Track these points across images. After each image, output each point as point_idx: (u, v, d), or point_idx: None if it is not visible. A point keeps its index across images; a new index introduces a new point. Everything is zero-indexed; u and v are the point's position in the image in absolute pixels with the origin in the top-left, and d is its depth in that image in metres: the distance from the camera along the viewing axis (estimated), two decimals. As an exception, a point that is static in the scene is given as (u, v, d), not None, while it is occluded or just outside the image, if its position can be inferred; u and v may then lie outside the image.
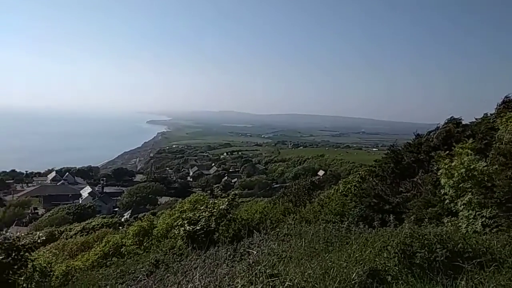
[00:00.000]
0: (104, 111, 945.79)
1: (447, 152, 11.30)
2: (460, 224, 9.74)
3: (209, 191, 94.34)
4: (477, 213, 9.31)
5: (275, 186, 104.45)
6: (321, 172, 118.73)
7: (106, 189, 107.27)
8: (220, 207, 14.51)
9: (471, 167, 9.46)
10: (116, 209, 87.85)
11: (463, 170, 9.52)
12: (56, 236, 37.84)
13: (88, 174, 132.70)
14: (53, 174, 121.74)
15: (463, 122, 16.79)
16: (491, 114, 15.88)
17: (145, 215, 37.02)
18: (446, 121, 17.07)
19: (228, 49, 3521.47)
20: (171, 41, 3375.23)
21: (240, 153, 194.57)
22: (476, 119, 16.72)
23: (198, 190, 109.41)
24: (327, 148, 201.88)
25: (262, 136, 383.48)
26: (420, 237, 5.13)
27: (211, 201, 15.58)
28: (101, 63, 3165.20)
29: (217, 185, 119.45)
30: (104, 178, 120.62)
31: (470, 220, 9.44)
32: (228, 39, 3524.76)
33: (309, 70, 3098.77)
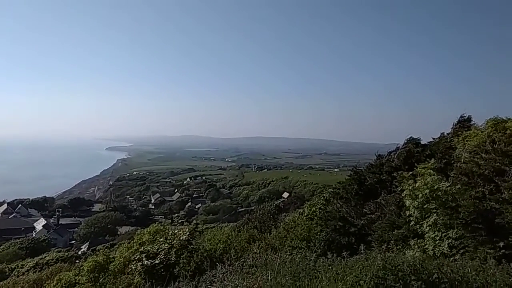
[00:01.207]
0: (62, 138, 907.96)
1: (410, 172, 11.28)
2: (427, 246, 9.58)
3: (169, 220, 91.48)
4: (443, 234, 9.20)
5: (240, 210, 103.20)
6: (285, 194, 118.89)
7: (62, 221, 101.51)
8: (181, 238, 13.70)
9: (435, 187, 9.40)
10: (73, 241, 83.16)
11: (427, 190, 9.43)
12: (7, 273, 34.96)
13: (42, 205, 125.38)
14: (5, 206, 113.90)
15: (422, 142, 17.13)
16: (448, 133, 16.30)
17: (104, 246, 35.14)
18: (406, 141, 17.35)
19: (189, 73, 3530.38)
20: (131, 64, 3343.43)
21: (204, 177, 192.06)
22: (433, 138, 17.12)
23: (161, 217, 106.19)
24: (291, 170, 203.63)
25: (226, 159, 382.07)
26: (393, 268, 4.77)
27: (171, 232, 14.71)
28: (60, 89, 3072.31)
29: (180, 211, 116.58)
30: (60, 209, 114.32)
31: (437, 242, 9.30)
32: (190, 62, 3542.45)
33: (266, 94, 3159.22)
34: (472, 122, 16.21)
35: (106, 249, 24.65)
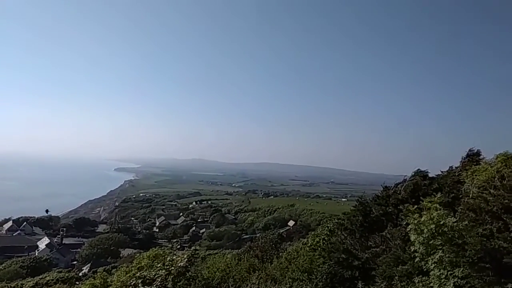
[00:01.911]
0: (74, 157, 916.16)
1: (416, 206, 10.97)
2: (432, 284, 9.17)
3: (170, 245, 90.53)
4: (449, 272, 8.80)
5: (244, 237, 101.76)
6: (291, 223, 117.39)
7: (66, 241, 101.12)
8: (179, 264, 13.39)
9: (441, 222, 9.08)
10: (75, 262, 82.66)
11: (433, 226, 9.11)
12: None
13: (47, 224, 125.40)
14: (10, 223, 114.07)
15: (430, 175, 16.82)
16: (456, 167, 15.98)
17: (105, 268, 34.66)
18: (413, 173, 17.06)
19: (200, 96, 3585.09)
20: (142, 89, 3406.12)
21: (209, 202, 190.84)
22: (442, 171, 16.80)
23: (164, 241, 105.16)
24: (297, 198, 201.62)
25: (233, 185, 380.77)
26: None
27: (168, 258, 14.39)
28: (73, 108, 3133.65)
29: (184, 235, 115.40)
30: (64, 229, 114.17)
31: (442, 280, 8.90)
32: (201, 85, 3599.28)
33: (275, 120, 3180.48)
34: (481, 157, 15.92)
35: (105, 272, 24.24)
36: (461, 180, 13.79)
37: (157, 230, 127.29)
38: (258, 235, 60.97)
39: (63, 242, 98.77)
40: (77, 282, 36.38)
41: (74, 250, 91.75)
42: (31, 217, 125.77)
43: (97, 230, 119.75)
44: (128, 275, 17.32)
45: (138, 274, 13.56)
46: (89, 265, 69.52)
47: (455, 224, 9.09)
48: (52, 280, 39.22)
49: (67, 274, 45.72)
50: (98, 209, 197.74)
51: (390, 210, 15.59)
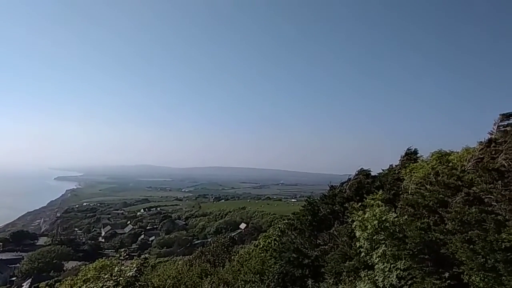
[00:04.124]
0: (8, 167, 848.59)
1: (360, 203, 11.46)
2: (377, 277, 9.63)
3: (118, 255, 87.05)
4: (392, 265, 9.30)
5: (196, 242, 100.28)
6: (243, 225, 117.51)
7: (2, 256, 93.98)
8: (128, 274, 12.90)
9: (383, 218, 9.57)
10: (14, 278, 77.39)
11: (376, 221, 9.58)
12: None
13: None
14: None
15: (372, 173, 17.63)
16: (396, 165, 16.92)
17: (47, 283, 32.55)
18: (357, 172, 17.80)
19: (143, 102, 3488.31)
20: (86, 89, 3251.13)
21: (158, 208, 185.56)
22: (383, 170, 17.70)
23: (111, 251, 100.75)
24: (248, 200, 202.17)
25: (183, 190, 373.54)
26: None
27: (116, 268, 13.83)
28: (8, 112, 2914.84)
29: (132, 244, 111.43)
30: (1, 243, 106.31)
31: (386, 273, 9.38)
32: (142, 92, 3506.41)
33: (226, 124, 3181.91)
34: (418, 155, 16.97)
35: (47, 287, 22.81)
36: (401, 178, 14.65)
37: (103, 240, 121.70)
38: (209, 239, 60.51)
39: (0, 257, 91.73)
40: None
41: (13, 265, 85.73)
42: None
43: (37, 243, 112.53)
44: (73, 288, 16.42)
45: (84, 287, 12.89)
46: (30, 280, 65.58)
47: (396, 219, 9.63)
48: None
49: (4, 292, 42.49)
50: (38, 221, 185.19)
51: (336, 208, 16.15)
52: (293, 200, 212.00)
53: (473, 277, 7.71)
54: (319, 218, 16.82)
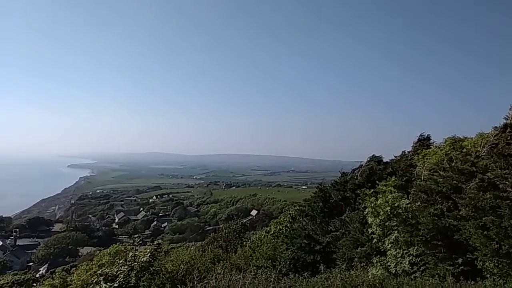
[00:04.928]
0: (24, 155, 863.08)
1: (372, 190, 11.42)
2: (389, 263, 9.64)
3: (131, 241, 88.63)
4: (404, 251, 9.29)
5: (207, 228, 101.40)
6: (254, 212, 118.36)
7: (20, 242, 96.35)
8: (142, 259, 13.11)
9: (396, 204, 9.53)
10: (31, 263, 79.17)
11: (388, 208, 9.55)
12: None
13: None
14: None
15: (384, 160, 17.52)
16: (408, 152, 16.78)
17: (63, 268, 33.42)
18: (369, 159, 17.71)
19: (156, 89, 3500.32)
20: (95, 80, 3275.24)
21: (170, 195, 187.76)
22: (395, 156, 17.58)
23: (125, 237, 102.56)
24: (259, 187, 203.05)
25: (194, 177, 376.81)
26: (353, 289, 4.68)
27: (131, 253, 14.07)
28: (19, 102, 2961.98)
29: (145, 230, 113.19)
30: (17, 230, 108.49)
31: (398, 259, 9.38)
32: (152, 79, 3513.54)
33: (238, 111, 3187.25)
34: (431, 141, 16.80)
35: (64, 272, 23.35)
36: (413, 164, 14.54)
37: (116, 227, 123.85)
38: (221, 226, 61.07)
39: (17, 243, 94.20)
40: (34, 284, 34.82)
41: (29, 251, 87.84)
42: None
43: (53, 230, 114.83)
44: (88, 273, 16.78)
45: (99, 272, 13.17)
46: (46, 265, 67.05)
47: (408, 205, 9.58)
48: (7, 283, 37.19)
49: (23, 276, 43.51)
50: (53, 207, 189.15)
51: (348, 195, 16.13)
52: (304, 187, 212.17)
53: (487, 263, 7.67)
54: (331, 204, 16.84)
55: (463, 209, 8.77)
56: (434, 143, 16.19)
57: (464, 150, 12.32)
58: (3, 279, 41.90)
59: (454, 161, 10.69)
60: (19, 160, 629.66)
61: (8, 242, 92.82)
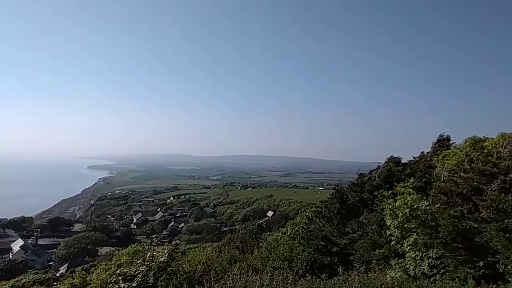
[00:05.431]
0: (42, 156, 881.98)
1: (390, 191, 11.30)
2: (407, 266, 9.51)
3: (149, 241, 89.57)
4: (424, 254, 9.16)
5: (224, 229, 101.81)
6: (270, 213, 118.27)
7: (41, 241, 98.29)
8: (160, 259, 13.30)
9: (415, 206, 9.41)
10: (51, 263, 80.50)
11: (407, 210, 9.43)
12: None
13: (21, 225, 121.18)
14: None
15: (402, 161, 17.30)
16: (427, 153, 16.53)
17: (83, 267, 34.05)
18: (387, 160, 17.52)
19: (172, 91, 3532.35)
20: (111, 82, 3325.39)
21: (187, 196, 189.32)
22: (414, 157, 17.33)
23: (143, 237, 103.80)
24: (275, 189, 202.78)
25: (210, 178, 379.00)
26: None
27: (149, 254, 14.28)
28: (37, 104, 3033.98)
29: (163, 231, 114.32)
30: (39, 230, 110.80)
31: (417, 262, 9.25)
32: (168, 81, 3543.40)
33: (252, 112, 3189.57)
34: (451, 142, 16.50)
35: (84, 271, 23.81)
36: (432, 165, 14.31)
37: (135, 227, 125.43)
38: (237, 227, 61.16)
39: (38, 243, 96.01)
40: (54, 283, 35.39)
41: (50, 250, 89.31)
42: (2, 219, 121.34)
43: (72, 230, 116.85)
44: (107, 272, 17.07)
45: (118, 271, 13.41)
46: (66, 265, 67.96)
47: (428, 207, 9.44)
48: (29, 282, 38.14)
49: (44, 275, 44.50)
50: (73, 208, 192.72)
51: (365, 196, 15.98)
52: (320, 188, 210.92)
53: (509, 266, 7.51)
54: (348, 206, 16.72)
55: (484, 211, 8.61)
56: (454, 144, 15.90)
57: (485, 150, 12.07)
58: (25, 277, 42.93)
59: (475, 162, 10.50)
60: (39, 162, 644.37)
61: (29, 241, 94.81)
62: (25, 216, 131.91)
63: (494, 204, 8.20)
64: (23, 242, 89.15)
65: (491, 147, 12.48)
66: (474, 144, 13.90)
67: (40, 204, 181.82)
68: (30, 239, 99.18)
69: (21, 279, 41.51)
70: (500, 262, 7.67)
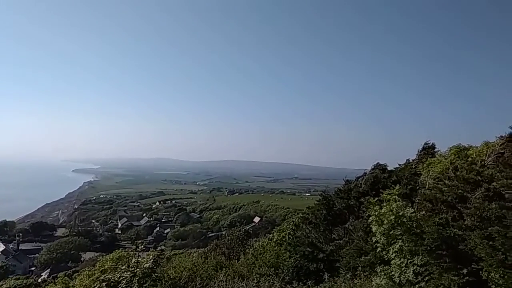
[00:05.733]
0: (27, 159, 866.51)
1: (376, 198, 11.37)
2: (393, 273, 9.53)
3: (134, 247, 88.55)
4: (409, 261, 9.19)
5: (210, 235, 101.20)
6: (257, 219, 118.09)
7: (22, 246, 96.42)
8: (144, 266, 13.07)
9: (400, 213, 9.45)
10: (33, 268, 79.19)
11: (393, 217, 9.47)
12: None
13: (2, 229, 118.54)
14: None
15: (388, 168, 17.46)
16: (413, 160, 16.73)
17: (65, 273, 33.42)
18: (373, 166, 17.66)
19: (162, 94, 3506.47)
20: (101, 85, 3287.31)
21: (173, 201, 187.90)
22: (399, 164, 17.52)
23: (127, 243, 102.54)
24: (262, 194, 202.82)
25: (197, 183, 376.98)
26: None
27: (133, 259, 14.04)
28: (24, 105, 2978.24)
29: (148, 236, 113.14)
30: (20, 234, 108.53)
31: (402, 269, 9.27)
32: (162, 82, 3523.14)
33: (239, 119, 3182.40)
34: (436, 149, 16.74)
35: (66, 277, 23.32)
36: (418, 172, 14.48)
37: (119, 232, 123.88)
38: (224, 232, 60.91)
39: (20, 248, 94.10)
40: (35, 289, 34.68)
41: (32, 255, 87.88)
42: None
43: (55, 234, 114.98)
44: (91, 278, 16.72)
45: (102, 277, 13.14)
46: (48, 270, 67.04)
47: (413, 214, 9.50)
48: (10, 287, 37.27)
49: (25, 281, 43.49)
50: (56, 212, 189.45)
51: (352, 203, 16.07)
52: (307, 194, 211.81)
53: (492, 274, 7.58)
54: (334, 212, 16.79)
55: (468, 219, 8.70)
56: (439, 152, 16.14)
57: (469, 159, 12.27)
58: (5, 283, 41.90)
59: (459, 170, 10.64)
60: (24, 164, 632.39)
61: (11, 246, 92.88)
62: (7, 220, 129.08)
63: (478, 212, 8.30)
64: (4, 247, 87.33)
65: (475, 156, 12.69)
66: (459, 152, 14.11)
67: (22, 208, 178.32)
68: (12, 243, 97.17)
69: (1, 285, 40.52)
70: (484, 270, 7.73)
